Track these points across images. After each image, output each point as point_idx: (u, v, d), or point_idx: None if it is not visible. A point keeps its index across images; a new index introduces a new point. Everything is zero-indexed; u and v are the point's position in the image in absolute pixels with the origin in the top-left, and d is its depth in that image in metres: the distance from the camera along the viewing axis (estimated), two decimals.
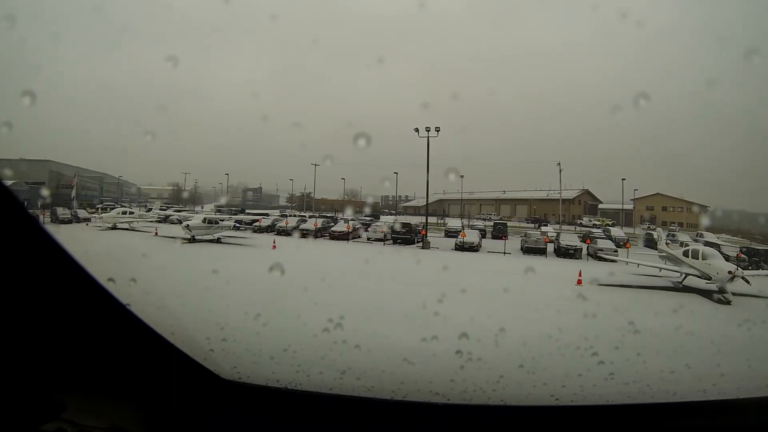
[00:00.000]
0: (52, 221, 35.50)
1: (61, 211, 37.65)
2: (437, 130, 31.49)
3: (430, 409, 1.74)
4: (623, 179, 43.49)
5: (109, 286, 1.33)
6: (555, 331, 7.00)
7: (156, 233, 28.33)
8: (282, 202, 60.42)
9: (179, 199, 54.98)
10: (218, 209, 45.21)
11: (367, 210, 50.10)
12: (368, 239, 31.26)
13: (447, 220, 43.27)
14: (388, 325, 7.96)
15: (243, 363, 1.97)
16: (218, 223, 27.56)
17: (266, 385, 1.79)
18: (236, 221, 31.98)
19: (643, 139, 60.34)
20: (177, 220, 36.63)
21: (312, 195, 54.77)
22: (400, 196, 61.41)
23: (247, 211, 45.25)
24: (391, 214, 49.97)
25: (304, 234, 32.32)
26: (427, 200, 38.16)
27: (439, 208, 54.04)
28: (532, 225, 43.13)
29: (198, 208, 49.52)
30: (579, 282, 15.44)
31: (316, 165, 47.25)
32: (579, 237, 30.23)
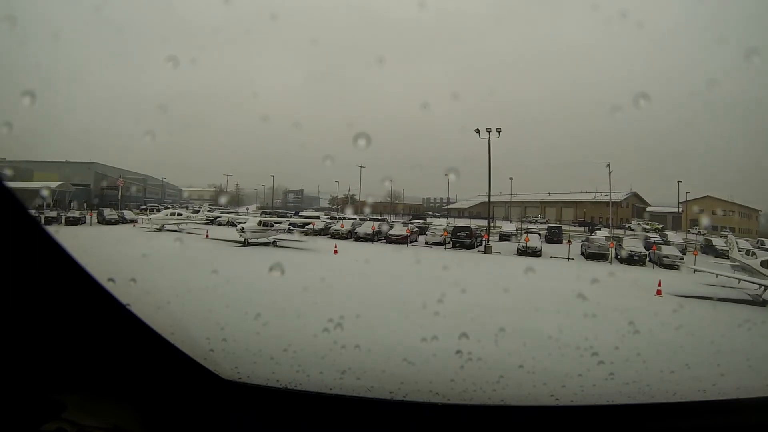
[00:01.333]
0: (99, 222, 35.61)
1: (108, 212, 37.58)
2: (498, 131, 30.59)
3: (430, 409, 1.74)
4: (679, 181, 41.88)
5: (109, 286, 1.33)
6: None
7: (207, 236, 27.55)
8: (322, 204, 59.98)
9: (226, 201, 55.10)
10: (263, 212, 44.74)
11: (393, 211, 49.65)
12: (426, 243, 29.98)
13: (497, 222, 41.48)
14: (537, 349, 6.94)
15: (243, 363, 1.97)
16: (273, 226, 26.52)
17: (266, 385, 1.79)
18: (290, 224, 30.71)
19: (693, 140, 58.96)
20: (225, 222, 36.06)
21: (356, 197, 54.09)
22: (442, 199, 60.90)
23: (300, 213, 44.71)
24: (435, 217, 48.75)
25: (361, 238, 31.07)
26: (490, 203, 36.71)
27: (483, 211, 53.04)
28: (582, 228, 41.46)
29: (242, 210, 49.14)
30: (658, 292, 14.32)
31: (361, 167, 46.96)
32: (642, 242, 28.79)
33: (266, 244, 24.56)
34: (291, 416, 1.70)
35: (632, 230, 41.11)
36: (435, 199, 62.98)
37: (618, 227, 42.24)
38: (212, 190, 59.91)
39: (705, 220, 42.59)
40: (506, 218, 45.99)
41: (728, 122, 57.56)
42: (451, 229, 30.99)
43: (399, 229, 32.48)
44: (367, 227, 32.72)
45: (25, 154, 44.44)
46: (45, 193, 40.81)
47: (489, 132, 30.83)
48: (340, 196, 56.98)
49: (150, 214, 37.02)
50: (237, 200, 56.31)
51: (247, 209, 51.15)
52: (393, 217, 44.98)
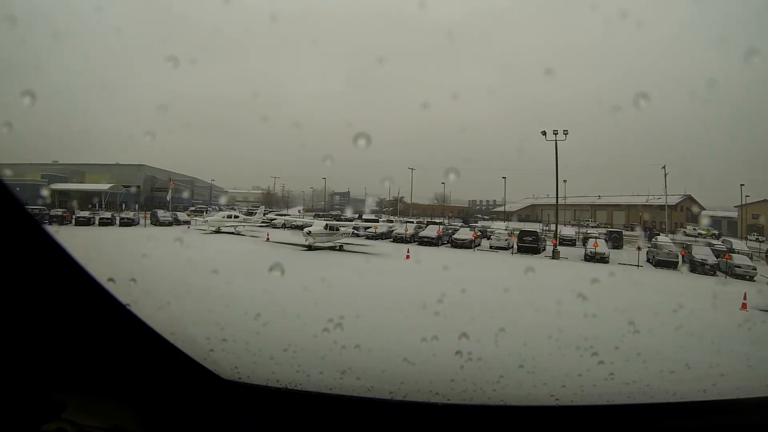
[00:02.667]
0: (152, 223, 35.55)
1: (162, 214, 37.64)
2: (565, 133, 29.75)
3: (430, 409, 1.74)
4: (742, 185, 39.86)
5: (109, 286, 1.33)
6: None
7: (267, 239, 27.01)
8: (368, 205, 59.24)
9: (270, 202, 55.39)
10: (316, 214, 44.47)
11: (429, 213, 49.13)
12: (491, 247, 29.21)
13: (553, 226, 39.93)
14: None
15: (243, 363, 1.97)
16: (338, 229, 25.76)
17: (266, 385, 1.79)
18: (353, 227, 29.93)
19: (751, 141, 56.96)
20: (281, 224, 35.98)
21: (405, 199, 53.82)
22: (488, 201, 60.12)
23: (364, 216, 44.19)
24: (484, 220, 48.17)
25: (425, 241, 29.86)
26: (557, 205, 35.02)
27: (532, 214, 51.75)
28: (637, 233, 38.41)
29: (293, 211, 48.97)
30: (743, 306, 13.45)
31: (412, 169, 46.71)
32: (711, 250, 26.96)
33: (331, 248, 23.78)
34: (291, 416, 1.70)
35: (688, 235, 39.14)
36: (481, 201, 62.35)
37: (672, 232, 40.55)
38: (259, 192, 60.42)
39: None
40: (557, 221, 44.66)
41: None
42: (517, 233, 30.00)
43: (464, 233, 31.23)
44: (431, 231, 31.65)
45: (78, 157, 46.19)
46: (104, 190, 41.88)
47: (556, 134, 29.80)
48: (387, 199, 56.74)
49: (206, 216, 36.83)
50: (287, 202, 56.71)
51: (300, 211, 51.08)
52: (446, 221, 44.02)
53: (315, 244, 23.35)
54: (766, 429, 1.76)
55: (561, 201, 46.84)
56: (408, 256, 21.46)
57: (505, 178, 45.74)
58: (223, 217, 33.23)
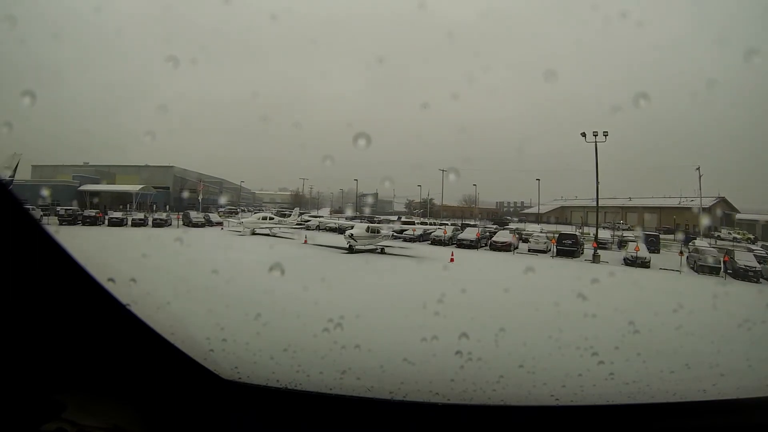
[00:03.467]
0: (184, 224, 35.45)
1: (195, 215, 37.74)
2: (605, 134, 29.32)
3: (430, 409, 1.74)
4: None
5: (109, 286, 1.32)
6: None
7: (305, 241, 26.70)
8: (396, 208, 59.68)
9: (299, 204, 55.28)
10: (346, 217, 44.10)
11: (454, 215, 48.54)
12: (529, 250, 28.73)
13: (585, 229, 39.65)
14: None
15: (243, 363, 1.97)
16: (380, 232, 25.30)
17: (266, 385, 1.79)
18: (393, 230, 29.51)
19: None
20: (315, 226, 35.76)
21: (434, 201, 53.55)
22: (515, 203, 59.56)
23: (403, 219, 44.29)
24: (513, 222, 47.49)
25: (464, 244, 29.39)
26: (597, 208, 34.71)
27: (561, 216, 51.28)
28: (672, 236, 38.04)
29: (323, 212, 49.06)
30: None
31: (443, 171, 46.21)
32: (755, 256, 25.88)
33: (372, 251, 23.33)
34: (291, 416, 1.70)
35: (722, 239, 38.03)
36: (508, 203, 61.91)
37: (706, 236, 38.96)
38: (287, 193, 60.81)
39: None
40: (585, 224, 43.28)
41: None
42: (556, 236, 29.64)
43: (504, 236, 30.80)
44: (470, 233, 31.29)
45: (108, 158, 47.58)
46: (136, 191, 43.01)
47: (596, 135, 29.31)
48: (416, 201, 56.34)
49: (240, 217, 36.64)
50: (316, 204, 56.93)
51: (330, 213, 50.91)
52: (478, 223, 43.42)
53: (357, 247, 22.93)
54: (766, 429, 1.76)
55: (591, 203, 45.02)
56: (452, 260, 21.13)
57: (539, 179, 45.55)
58: (259, 219, 33.05)
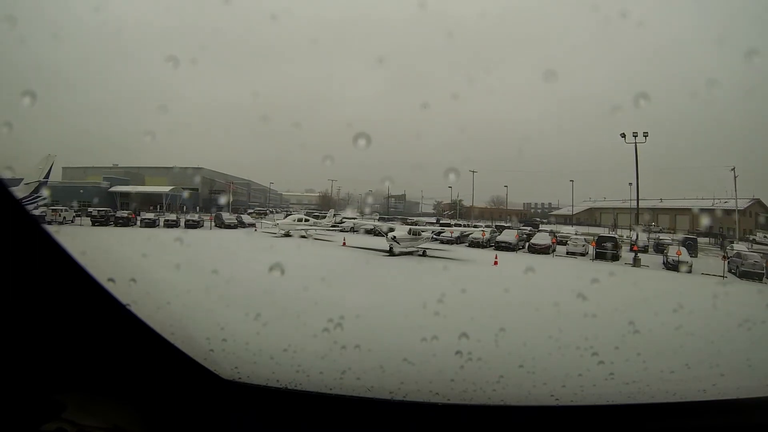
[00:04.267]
0: (216, 226, 35.19)
1: (227, 216, 37.50)
2: (645, 135, 28.68)
3: (430, 409, 1.74)
4: None
5: (109, 286, 1.32)
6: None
7: (344, 243, 26.22)
8: (425, 209, 59.00)
9: (327, 205, 55.03)
10: (381, 217, 44.45)
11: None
12: (568, 253, 28.10)
13: (618, 231, 38.37)
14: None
15: (243, 363, 1.97)
16: (421, 234, 24.85)
17: (266, 385, 1.79)
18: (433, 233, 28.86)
19: None
20: (350, 228, 35.57)
21: (462, 202, 52.98)
22: (543, 204, 58.41)
23: (441, 221, 43.21)
24: (543, 223, 46.40)
25: (502, 246, 28.68)
26: (638, 208, 33.50)
27: (590, 217, 49.76)
28: (707, 240, 36.91)
29: (349, 213, 47.97)
30: None
31: (473, 172, 46.02)
32: None
33: (410, 253, 22.68)
34: (291, 416, 1.70)
35: (758, 243, 36.50)
36: (536, 204, 60.77)
37: (742, 239, 37.67)
38: (314, 194, 60.79)
39: None
40: (616, 225, 41.97)
41: None
42: (595, 238, 28.99)
43: (542, 238, 30.26)
44: (509, 235, 30.61)
45: (136, 160, 47.55)
46: (175, 192, 43.34)
47: (635, 136, 28.66)
48: (444, 202, 55.75)
49: (275, 218, 36.51)
50: (345, 205, 56.50)
51: (360, 213, 50.21)
52: (509, 224, 42.66)
53: (400, 250, 22.44)
54: (766, 429, 1.76)
55: (621, 204, 44.59)
56: (496, 263, 20.64)
57: (572, 181, 44.34)
58: (294, 220, 32.74)
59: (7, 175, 1.14)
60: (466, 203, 53.12)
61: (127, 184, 46.44)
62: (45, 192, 28.26)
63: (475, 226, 37.39)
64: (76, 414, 1.38)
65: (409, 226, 26.73)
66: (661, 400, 1.87)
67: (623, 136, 29.35)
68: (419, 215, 54.53)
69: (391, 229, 24.77)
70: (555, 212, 56.61)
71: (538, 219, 53.20)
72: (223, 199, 46.99)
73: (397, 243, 22.51)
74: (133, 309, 1.38)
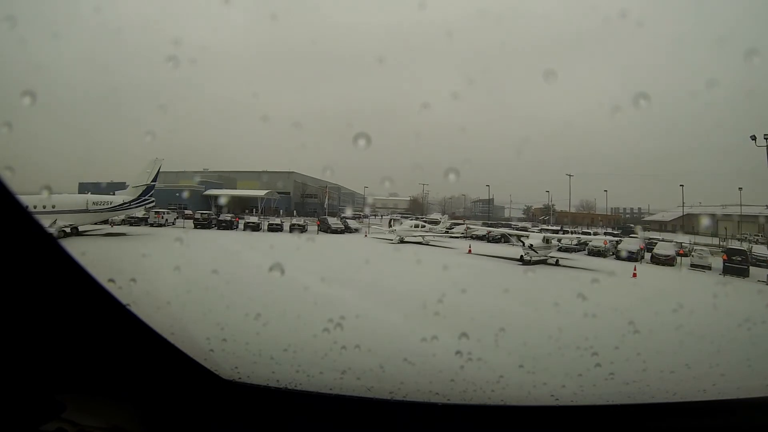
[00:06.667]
0: (321, 230, 34.98)
1: (333, 221, 37.61)
2: None
3: (430, 409, 1.74)
4: None
5: (110, 287, 1.32)
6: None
7: (470, 251, 25.22)
8: (513, 213, 57.22)
9: (416, 209, 54.70)
10: (484, 222, 43.10)
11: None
12: (691, 266, 25.62)
13: (725, 242, 34.99)
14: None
15: (243, 363, 1.97)
16: (551, 242, 23.26)
17: (266, 385, 1.79)
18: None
19: None
20: (460, 234, 34.75)
21: (555, 207, 50.57)
22: (632, 209, 54.11)
23: (548, 227, 41.47)
24: (636, 229, 42.30)
25: (622, 257, 26.71)
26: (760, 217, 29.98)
27: (687, 224, 44.33)
28: None
29: (436, 217, 46.65)
30: None
31: (570, 175, 44.10)
32: None
33: (541, 262, 21.35)
34: (291, 416, 1.70)
35: None
36: (624, 209, 56.20)
37: None
38: (405, 198, 59.59)
39: None
40: (715, 234, 37.96)
41: None
42: (725, 251, 26.19)
43: (667, 249, 27.81)
44: (631, 244, 28.60)
45: (225, 165, 48.62)
46: (264, 196, 43.80)
47: (766, 138, 25.63)
48: (534, 207, 53.79)
49: (392, 225, 35.91)
50: (442, 209, 55.77)
51: (440, 216, 48.56)
52: (604, 230, 40.96)
53: (534, 259, 21.17)
54: (766, 429, 1.76)
55: (720, 210, 40.00)
56: (635, 275, 19.14)
57: (682, 185, 40.26)
58: (411, 227, 32.06)
59: (6, 175, 1.14)
60: (557, 207, 50.69)
61: (220, 188, 47.32)
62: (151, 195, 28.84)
63: (583, 233, 35.15)
64: (76, 414, 1.38)
65: (543, 234, 24.83)
66: (661, 400, 1.87)
67: (753, 138, 26.40)
68: (507, 220, 52.98)
69: (522, 237, 23.30)
70: (648, 218, 51.77)
71: (631, 225, 48.76)
72: (320, 204, 47.26)
73: (535, 252, 21.32)
74: (133, 309, 1.38)
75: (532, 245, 21.33)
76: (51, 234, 1.20)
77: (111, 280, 1.39)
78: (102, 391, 1.45)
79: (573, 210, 51.02)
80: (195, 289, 9.88)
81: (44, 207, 22.85)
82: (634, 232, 39.92)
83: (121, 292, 1.36)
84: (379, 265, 17.72)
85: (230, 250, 21.17)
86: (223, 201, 41.85)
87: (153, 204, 30.03)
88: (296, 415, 1.71)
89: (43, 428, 1.33)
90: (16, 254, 1.17)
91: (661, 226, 46.56)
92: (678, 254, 27.20)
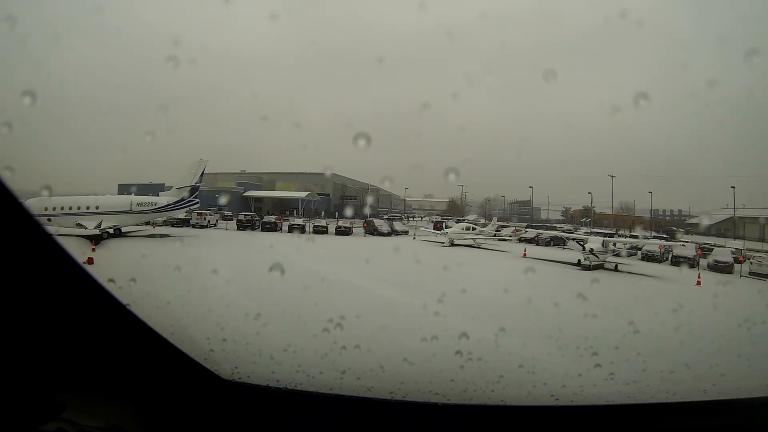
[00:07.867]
0: (367, 233, 34.37)
1: (379, 223, 37.08)
2: None
3: (430, 409, 1.74)
4: None
5: (110, 287, 1.33)
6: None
7: (525, 254, 24.55)
8: (551, 216, 56.19)
9: (455, 211, 54.21)
10: (528, 224, 41.83)
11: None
12: (750, 273, 24.04)
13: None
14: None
15: (243, 363, 1.97)
16: (608, 246, 22.30)
17: (266, 385, 1.79)
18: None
19: None
20: (508, 235, 34.12)
21: (594, 209, 49.25)
22: (672, 211, 51.43)
23: (582, 229, 40.17)
24: (679, 233, 40.89)
25: (680, 261, 25.52)
26: None
27: (731, 228, 42.84)
28: None
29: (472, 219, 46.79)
30: None
31: (613, 177, 42.62)
32: None
33: (599, 267, 20.49)
34: (291, 416, 1.70)
35: None
36: (664, 210, 53.68)
37: None
38: (444, 200, 59.28)
39: None
40: (763, 239, 35.53)
41: None
42: None
43: (725, 255, 26.20)
44: (687, 249, 27.80)
45: (263, 167, 48.20)
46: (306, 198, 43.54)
47: None
48: (574, 209, 52.78)
49: (444, 227, 34.72)
50: (486, 211, 54.70)
51: (476, 218, 48.58)
52: (652, 234, 38.79)
53: (594, 264, 20.36)
54: (766, 429, 1.76)
55: (766, 213, 36.84)
56: (699, 283, 18.10)
57: (734, 187, 38.03)
58: (462, 229, 31.57)
59: (6, 175, 1.14)
60: (598, 209, 49.14)
61: (259, 189, 47.06)
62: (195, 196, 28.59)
63: (632, 236, 33.80)
64: (76, 414, 1.38)
65: (602, 238, 23.79)
66: (661, 400, 1.87)
67: None
68: (544, 222, 51.96)
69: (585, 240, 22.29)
70: (690, 221, 48.88)
71: (674, 228, 46.58)
72: (360, 205, 46.34)
73: (596, 256, 20.50)
74: (133, 309, 1.38)
75: (593, 249, 20.52)
76: (51, 234, 1.20)
77: (111, 281, 1.39)
78: (102, 391, 1.45)
79: (613, 212, 48.77)
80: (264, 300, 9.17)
81: (87, 207, 23.08)
82: (677, 236, 38.49)
83: (120, 292, 1.36)
84: (454, 272, 16.72)
85: (290, 258, 18.51)
86: (262, 202, 41.71)
87: (198, 205, 29.78)
88: (296, 415, 1.71)
89: (43, 428, 1.33)
90: (17, 254, 1.17)
91: (707, 229, 44.00)
92: (737, 261, 25.64)
